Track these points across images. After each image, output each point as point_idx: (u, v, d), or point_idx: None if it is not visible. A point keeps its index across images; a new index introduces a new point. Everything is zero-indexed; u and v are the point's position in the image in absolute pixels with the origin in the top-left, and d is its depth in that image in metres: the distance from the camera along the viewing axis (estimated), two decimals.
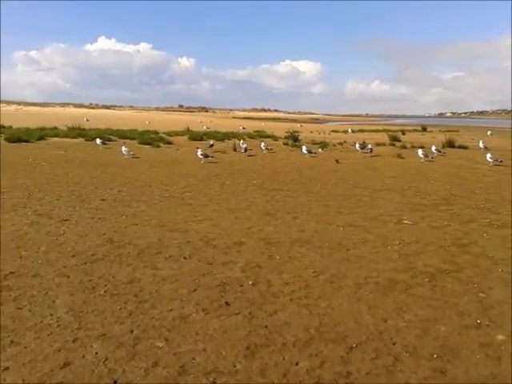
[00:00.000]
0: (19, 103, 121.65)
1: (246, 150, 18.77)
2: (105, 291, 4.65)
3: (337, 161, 16.81)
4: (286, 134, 27.63)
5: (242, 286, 4.94)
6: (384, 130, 43.22)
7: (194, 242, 6.42)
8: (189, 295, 4.64)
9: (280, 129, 40.16)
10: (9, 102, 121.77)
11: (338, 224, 7.65)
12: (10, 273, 5.06)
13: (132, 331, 3.86)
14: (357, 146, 21.04)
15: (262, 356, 3.56)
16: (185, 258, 5.77)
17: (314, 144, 23.82)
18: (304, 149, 18.91)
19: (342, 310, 4.44)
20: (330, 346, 3.76)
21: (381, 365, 3.51)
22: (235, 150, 19.89)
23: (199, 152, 16.04)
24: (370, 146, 20.29)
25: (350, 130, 43.18)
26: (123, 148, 16.96)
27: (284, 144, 24.10)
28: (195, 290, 4.78)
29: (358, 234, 7.06)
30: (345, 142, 26.25)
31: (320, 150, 21.41)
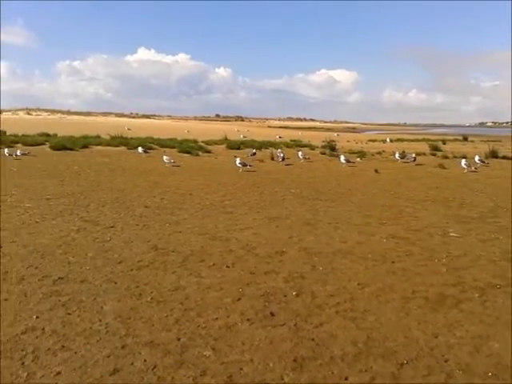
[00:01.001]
0: (63, 112, 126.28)
1: (283, 158, 18.76)
2: (151, 298, 4.71)
3: (376, 170, 16.53)
4: (323, 144, 27.42)
5: (285, 296, 4.89)
6: (423, 140, 42.17)
7: (236, 251, 6.44)
8: (233, 304, 4.64)
9: (316, 138, 39.94)
10: (53, 111, 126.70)
11: (380, 235, 7.49)
12: (59, 278, 5.20)
13: (179, 339, 3.88)
14: (396, 155, 20.63)
15: (310, 369, 3.50)
16: (228, 266, 5.78)
17: (351, 153, 23.53)
18: (342, 158, 18.70)
19: (390, 324, 4.32)
20: (380, 361, 3.66)
21: (433, 382, 3.38)
22: (272, 158, 19.90)
23: (238, 161, 16.17)
24: (413, 155, 19.86)
25: (388, 140, 42.40)
26: (165, 157, 17.30)
27: (321, 153, 23.93)
28: (239, 299, 4.78)
29: (402, 246, 6.89)
30: (383, 151, 25.80)
31: (358, 159, 21.12)
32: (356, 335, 4.07)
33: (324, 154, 23.71)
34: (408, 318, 4.47)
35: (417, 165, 18.97)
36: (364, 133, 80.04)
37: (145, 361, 3.53)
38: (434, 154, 24.37)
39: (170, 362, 3.53)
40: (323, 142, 28.17)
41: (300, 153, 20.56)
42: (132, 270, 5.53)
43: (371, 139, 45.08)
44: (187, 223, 7.98)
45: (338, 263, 6.03)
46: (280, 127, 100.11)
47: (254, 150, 21.49)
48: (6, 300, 4.56)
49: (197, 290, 4.99)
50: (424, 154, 24.39)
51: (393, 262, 6.12)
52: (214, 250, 6.43)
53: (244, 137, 37.75)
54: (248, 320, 4.29)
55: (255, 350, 3.75)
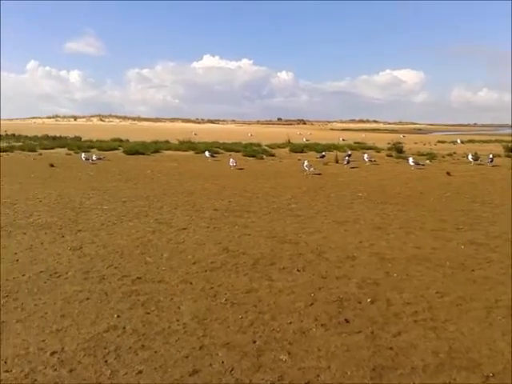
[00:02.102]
0: (134, 118, 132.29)
1: (348, 161, 18.45)
2: (225, 299, 4.78)
3: (448, 173, 15.80)
4: (389, 146, 26.64)
5: (360, 303, 4.78)
6: (496, 141, 39.78)
7: (306, 255, 6.39)
8: (306, 309, 4.60)
9: (381, 140, 38.92)
10: (124, 118, 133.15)
11: (457, 241, 7.13)
12: (137, 278, 5.42)
13: (255, 342, 3.90)
14: (469, 157, 19.64)
15: (390, 379, 3.38)
16: (298, 270, 5.75)
17: (419, 155, 22.68)
18: (411, 160, 18.10)
19: (473, 335, 4.09)
20: (464, 373, 3.47)
21: None
22: (337, 161, 19.63)
23: (305, 163, 16.18)
24: (490, 156, 18.82)
25: (458, 141, 40.37)
26: (231, 160, 17.69)
27: (387, 156, 23.28)
28: (312, 304, 4.73)
29: (481, 253, 6.51)
30: (454, 153, 24.65)
31: (428, 161, 20.33)
32: (437, 345, 3.90)
33: (390, 156, 23.05)
34: (492, 328, 4.22)
35: (493, 166, 17.94)
36: (431, 134, 76.91)
37: (222, 362, 3.58)
38: (509, 156, 22.92)
39: (248, 364, 3.55)
40: (389, 143, 27.42)
41: (366, 155, 20.15)
42: (206, 271, 5.66)
43: (440, 140, 43.18)
44: (255, 226, 8.05)
45: (413, 270, 5.81)
46: (343, 129, 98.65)
47: (324, 153, 21.29)
48: (87, 299, 4.80)
49: (269, 293, 5.00)
50: (499, 155, 23.01)
51: (473, 270, 5.80)
52: (284, 254, 6.42)
53: (307, 140, 37.51)
54: (322, 325, 4.24)
55: (332, 357, 3.68)
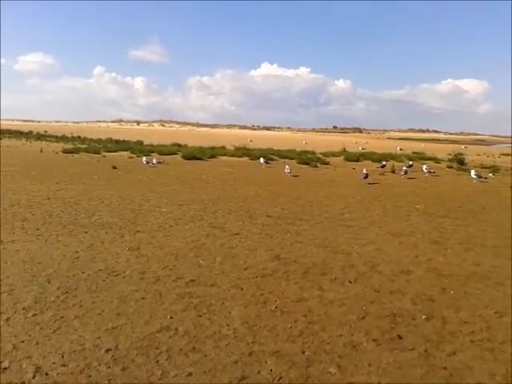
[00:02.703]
0: (192, 124, 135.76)
1: (406, 172, 17.94)
2: (275, 307, 4.79)
3: None
4: (450, 157, 25.60)
5: (414, 319, 4.64)
6: None
7: (359, 266, 6.28)
8: (358, 322, 4.52)
9: (441, 150, 37.45)
10: (184, 123, 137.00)
11: None
12: (191, 280, 5.54)
13: (304, 352, 3.88)
14: None
15: None
16: (350, 282, 5.66)
17: (482, 168, 21.66)
18: (473, 173, 17.35)
19: None
20: None
21: None
22: (394, 171, 19.13)
23: (364, 171, 16.18)
24: None
25: None
26: (286, 166, 17.84)
27: (448, 167, 22.40)
28: (364, 317, 4.64)
29: None
30: None
31: (490, 174, 19.38)
32: (494, 367, 3.72)
33: (451, 167, 22.17)
34: None
35: None
36: (495, 145, 73.25)
37: (271, 371, 3.59)
38: None
39: (296, 374, 3.54)
40: (449, 154, 26.35)
41: (424, 166, 19.52)
42: (257, 277, 5.70)
43: (504, 153, 40.99)
44: (308, 234, 8.01)
45: (471, 288, 5.57)
46: (400, 139, 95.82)
47: (384, 162, 20.84)
48: (143, 299, 4.96)
49: (319, 303, 4.96)
50: None
51: None
52: (336, 264, 6.35)
53: (362, 149, 36.88)
54: (374, 340, 4.15)
55: (383, 373, 3.60)
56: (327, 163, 22.78)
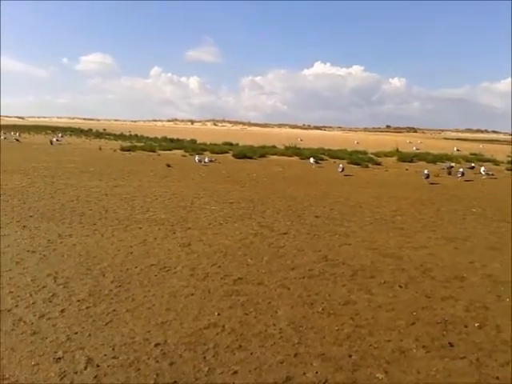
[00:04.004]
0: (244, 123, 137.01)
1: (463, 174, 17.22)
2: (322, 309, 4.76)
3: None
4: (510, 159, 24.30)
5: (466, 327, 4.46)
6: None
7: (410, 271, 6.11)
8: (407, 328, 4.41)
9: (501, 152, 35.65)
10: (236, 122, 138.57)
11: None
12: (239, 278, 5.61)
13: (350, 356, 3.84)
14: None
15: None
16: (400, 286, 5.52)
17: None
18: None
19: None
20: None
21: None
22: (450, 173, 18.43)
23: (425, 171, 16.13)
24: None
25: None
26: (340, 165, 17.89)
27: (507, 169, 21.29)
28: (414, 323, 4.52)
29: None
30: None
31: None
32: None
33: (511, 170, 21.05)
34: None
35: None
36: None
37: (316, 373, 3.57)
38: None
39: (342, 378, 3.51)
40: (509, 156, 25.02)
41: (483, 168, 18.67)
42: (304, 277, 5.69)
43: None
44: (356, 236, 7.89)
45: None
46: (457, 139, 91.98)
47: (453, 164, 20.17)
48: (192, 295, 5.07)
49: (367, 307, 4.88)
50: None
51: None
52: (385, 268, 6.21)
53: (417, 149, 35.70)
54: (424, 347, 4.03)
55: (432, 381, 3.49)
56: (379, 163, 22.30)
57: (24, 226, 7.78)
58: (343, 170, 17.56)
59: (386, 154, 27.20)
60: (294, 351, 3.89)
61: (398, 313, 4.74)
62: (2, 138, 36.36)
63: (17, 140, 33.27)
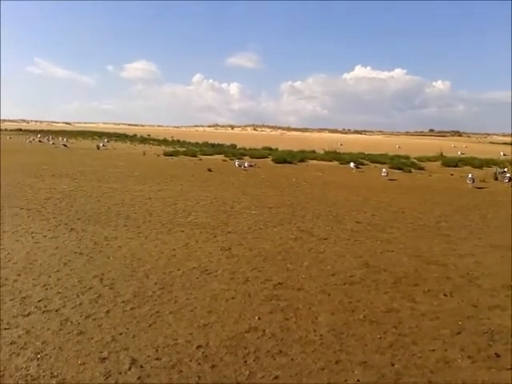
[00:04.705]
0: (283, 128, 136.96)
1: (510, 179, 16.54)
2: (364, 316, 4.71)
3: None
4: None
5: None
6: None
7: (455, 279, 5.94)
8: (452, 338, 4.29)
9: None
10: (275, 127, 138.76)
11: None
12: (279, 283, 5.63)
13: (393, 364, 3.77)
14: None
15: None
16: (445, 295, 5.38)
17: None
18: None
19: None
20: None
21: None
22: (496, 178, 17.75)
23: (469, 176, 15.82)
24: None
25: None
26: (383, 170, 17.74)
27: None
28: (459, 332, 4.39)
29: None
30: None
31: None
32: None
33: None
34: None
35: None
36: None
37: (358, 381, 3.54)
38: None
39: None
40: None
41: None
42: (345, 284, 5.64)
43: None
44: (399, 243, 7.74)
45: None
46: (504, 143, 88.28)
47: (506, 169, 19.44)
48: (233, 298, 5.13)
49: (411, 315, 4.78)
50: None
51: None
52: (429, 275, 6.07)
53: (461, 153, 34.53)
54: (469, 357, 3.92)
55: None
56: (422, 168, 21.74)
57: (72, 229, 8.10)
58: (387, 174, 17.40)
59: (430, 159, 26.44)
60: (336, 358, 3.86)
61: (442, 322, 4.63)
62: (51, 143, 38.00)
63: (64, 145, 34.59)
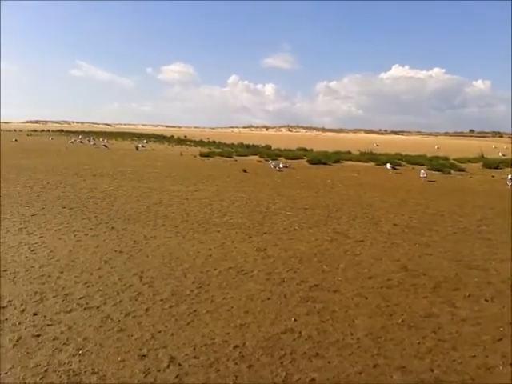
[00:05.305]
0: (318, 129, 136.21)
1: None
2: (402, 321, 4.64)
3: None
4: None
5: None
6: None
7: (496, 284, 5.77)
8: (493, 344, 4.17)
9: None
10: (310, 128, 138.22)
11: None
12: (314, 285, 5.62)
13: (432, 370, 3.71)
14: None
15: None
16: (486, 300, 5.23)
17: None
18: None
19: None
20: None
21: None
22: None
23: (509, 177, 15.49)
24: None
25: None
26: (421, 171, 17.48)
27: None
28: (500, 339, 4.27)
29: None
30: None
31: None
32: None
33: None
34: None
35: None
36: None
37: None
38: None
39: None
40: None
41: None
42: (382, 287, 5.57)
43: None
44: (438, 246, 7.57)
45: None
46: None
47: None
48: (268, 299, 5.15)
49: (451, 320, 4.68)
50: None
51: None
52: (470, 280, 5.91)
53: (503, 155, 33.33)
54: (511, 365, 3.80)
55: None
56: (462, 170, 21.15)
57: (112, 227, 8.35)
58: (427, 175, 17.12)
59: (470, 160, 25.70)
60: (373, 362, 3.82)
61: (483, 328, 4.51)
62: (92, 144, 39.19)
63: (105, 146, 35.66)
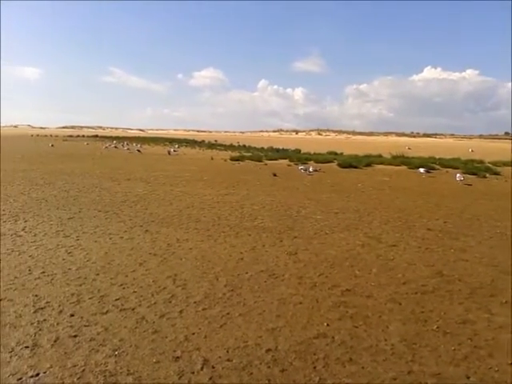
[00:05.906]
0: (348, 132, 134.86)
1: None
2: (437, 327, 4.56)
3: None
4: None
5: None
6: None
7: None
8: None
9: None
10: (340, 132, 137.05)
11: None
12: (346, 290, 5.58)
13: (468, 377, 3.64)
14: None
15: None
16: None
17: None
18: None
19: None
20: None
21: None
22: None
23: None
24: None
25: None
26: (457, 174, 17.33)
27: None
28: None
29: None
30: None
31: None
32: None
33: None
34: None
35: None
36: None
37: None
38: None
39: None
40: None
41: None
42: (416, 293, 5.49)
43: None
44: (474, 251, 7.40)
45: None
46: None
47: None
48: (300, 303, 5.15)
49: (487, 327, 4.57)
50: None
51: None
52: (507, 286, 5.75)
53: None
54: None
55: None
56: (498, 173, 20.52)
57: (146, 231, 8.52)
58: (463, 179, 16.87)
59: (506, 164, 24.90)
60: (408, 368, 3.77)
61: None
62: (125, 149, 40.06)
63: (138, 151, 36.42)
